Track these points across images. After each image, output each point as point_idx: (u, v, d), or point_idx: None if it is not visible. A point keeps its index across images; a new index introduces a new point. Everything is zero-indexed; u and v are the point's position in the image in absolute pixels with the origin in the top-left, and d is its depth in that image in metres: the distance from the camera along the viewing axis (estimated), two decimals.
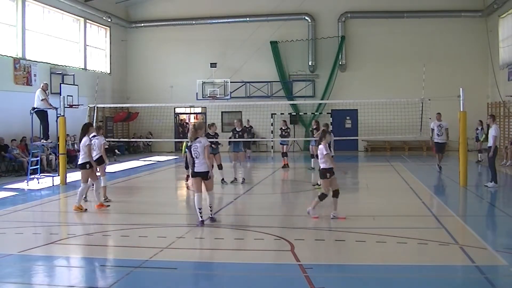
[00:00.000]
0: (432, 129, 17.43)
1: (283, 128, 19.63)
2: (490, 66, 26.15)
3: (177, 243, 8.28)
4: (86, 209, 10.91)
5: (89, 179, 11.10)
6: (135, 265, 6.95)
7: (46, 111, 16.25)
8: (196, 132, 9.50)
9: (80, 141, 11.16)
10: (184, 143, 15.47)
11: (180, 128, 29.76)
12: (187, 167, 14.90)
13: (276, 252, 7.86)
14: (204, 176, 9.47)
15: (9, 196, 13.66)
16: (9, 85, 19.65)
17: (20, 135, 18.90)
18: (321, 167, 9.85)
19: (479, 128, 20.78)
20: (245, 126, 23.22)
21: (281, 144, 19.93)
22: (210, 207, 9.68)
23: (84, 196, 12.28)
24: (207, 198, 9.66)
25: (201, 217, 9.45)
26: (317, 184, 13.71)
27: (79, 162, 11.09)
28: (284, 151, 19.69)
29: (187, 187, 14.14)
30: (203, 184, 9.54)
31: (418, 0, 27.19)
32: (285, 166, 19.26)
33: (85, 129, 11.14)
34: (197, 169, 9.43)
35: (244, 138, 15.30)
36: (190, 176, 9.75)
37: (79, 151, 20.68)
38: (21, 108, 18.10)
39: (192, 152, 9.41)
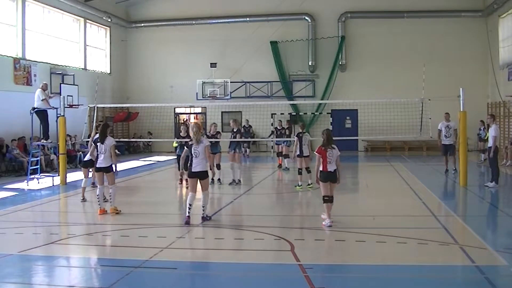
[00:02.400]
0: (440, 130, 16.88)
1: (278, 128, 19.75)
2: (490, 66, 26.14)
3: (177, 243, 8.28)
4: (120, 210, 10.66)
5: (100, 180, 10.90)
6: (135, 265, 6.96)
7: (46, 111, 16.26)
8: (199, 132, 9.64)
9: (99, 142, 10.55)
10: (174, 142, 15.65)
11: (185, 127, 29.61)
12: (179, 168, 15.08)
13: (276, 252, 7.86)
14: (201, 176, 9.58)
15: (9, 196, 13.65)
16: (9, 85, 19.64)
17: (20, 135, 18.88)
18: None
19: (481, 128, 20.74)
20: (244, 126, 23.29)
21: (276, 144, 20.07)
22: (203, 207, 9.70)
23: (82, 197, 12.32)
24: (201, 198, 9.72)
25: (188, 212, 9.51)
26: (299, 185, 13.86)
27: (105, 165, 10.56)
28: (280, 150, 19.94)
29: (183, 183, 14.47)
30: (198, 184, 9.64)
31: (418, 0, 27.19)
32: (280, 165, 19.49)
33: (105, 130, 10.71)
34: (195, 168, 9.54)
35: (237, 138, 15.36)
36: (187, 176, 9.76)
37: (78, 151, 20.95)
38: (21, 108, 18.08)
39: (192, 152, 9.52)
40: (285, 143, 19.06)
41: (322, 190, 9.38)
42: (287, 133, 18.88)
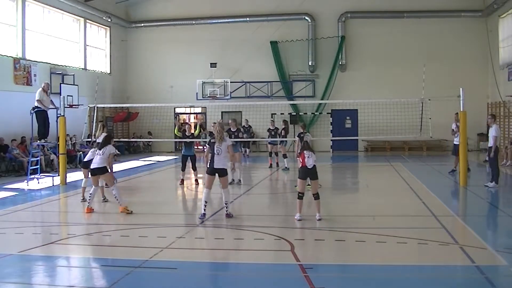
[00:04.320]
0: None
1: (271, 128, 19.69)
2: (490, 66, 26.14)
3: (177, 243, 8.28)
4: (131, 211, 10.73)
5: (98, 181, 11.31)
6: (135, 265, 6.96)
7: (46, 111, 16.24)
8: (223, 132, 10.11)
9: (100, 148, 11.06)
10: (176, 128, 15.94)
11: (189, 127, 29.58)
12: (183, 168, 15.11)
13: (276, 252, 7.86)
14: (221, 173, 9.88)
15: (9, 196, 13.66)
16: (9, 85, 19.64)
17: (20, 135, 18.89)
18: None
19: None
20: (243, 126, 23.30)
21: (269, 143, 20.11)
22: (226, 203, 10.05)
23: (82, 197, 12.33)
24: (223, 195, 10.06)
25: (204, 210, 9.88)
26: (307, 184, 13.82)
27: (99, 166, 10.90)
28: (271, 150, 20.00)
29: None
30: (216, 181, 9.98)
31: (418, 0, 27.19)
32: (271, 165, 19.62)
33: (108, 140, 11.20)
34: (216, 165, 9.84)
35: (239, 138, 15.41)
36: (206, 173, 10.06)
37: (78, 151, 20.94)
38: (21, 108, 18.08)
39: (215, 149, 9.85)
40: (282, 143, 19.10)
41: (299, 187, 9.90)
42: (282, 133, 18.92)
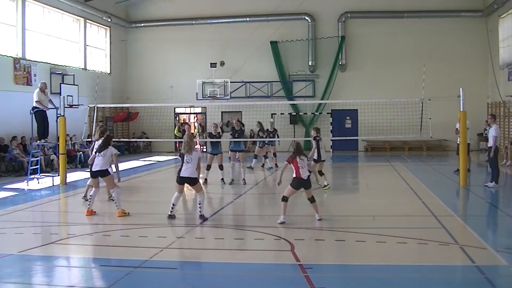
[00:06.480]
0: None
1: (269, 130, 19.57)
2: (490, 66, 26.14)
3: (177, 243, 8.29)
4: (128, 213, 10.57)
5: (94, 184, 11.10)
6: (135, 265, 6.96)
7: (45, 111, 16.21)
8: (192, 142, 9.84)
9: (99, 151, 10.79)
10: (176, 128, 15.86)
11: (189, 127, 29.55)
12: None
13: (276, 252, 7.86)
14: (190, 181, 9.77)
15: (9, 196, 13.65)
16: (9, 85, 19.63)
17: (20, 135, 18.88)
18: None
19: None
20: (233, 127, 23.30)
21: (266, 145, 20.10)
22: (199, 204, 9.84)
23: (84, 195, 12.31)
24: (198, 198, 9.93)
25: (171, 211, 9.93)
26: (325, 185, 13.68)
27: (101, 168, 10.64)
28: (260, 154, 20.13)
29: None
30: (187, 188, 9.84)
31: (418, 0, 27.19)
32: (263, 166, 19.75)
33: (108, 141, 10.98)
34: (183, 173, 9.71)
35: (242, 137, 15.45)
36: (176, 181, 9.95)
37: (78, 151, 20.93)
38: (21, 108, 18.08)
39: (185, 158, 9.73)
40: (269, 144, 19.26)
41: (287, 193, 9.52)
42: (260, 134, 19.06)
